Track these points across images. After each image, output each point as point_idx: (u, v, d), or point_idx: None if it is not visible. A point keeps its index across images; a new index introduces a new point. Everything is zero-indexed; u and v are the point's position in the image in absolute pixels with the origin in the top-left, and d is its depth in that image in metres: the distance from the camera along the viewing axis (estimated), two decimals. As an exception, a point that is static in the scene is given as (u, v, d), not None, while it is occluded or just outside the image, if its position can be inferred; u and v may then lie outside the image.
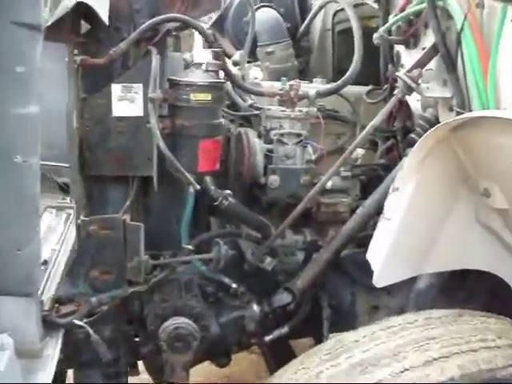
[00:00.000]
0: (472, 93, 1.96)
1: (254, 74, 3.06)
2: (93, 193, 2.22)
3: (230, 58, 2.86)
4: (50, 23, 1.78)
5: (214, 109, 2.11)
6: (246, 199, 2.42)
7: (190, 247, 2.25)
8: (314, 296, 2.47)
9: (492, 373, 1.48)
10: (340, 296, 2.53)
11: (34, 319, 1.72)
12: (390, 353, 1.58)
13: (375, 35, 2.39)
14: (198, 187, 2.09)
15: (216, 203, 2.18)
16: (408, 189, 1.94)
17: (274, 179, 2.34)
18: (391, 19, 2.36)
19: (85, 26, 2.15)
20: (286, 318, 2.40)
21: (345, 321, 2.46)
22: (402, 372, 1.50)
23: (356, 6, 2.78)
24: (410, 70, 2.17)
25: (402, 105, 2.55)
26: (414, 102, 2.47)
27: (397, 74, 2.19)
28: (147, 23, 2.09)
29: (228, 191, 2.20)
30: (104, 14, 1.95)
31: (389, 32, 2.42)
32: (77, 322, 2.01)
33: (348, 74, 2.48)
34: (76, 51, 2.12)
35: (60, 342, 1.87)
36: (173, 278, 2.30)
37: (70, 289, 2.13)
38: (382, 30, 2.37)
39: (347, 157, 2.27)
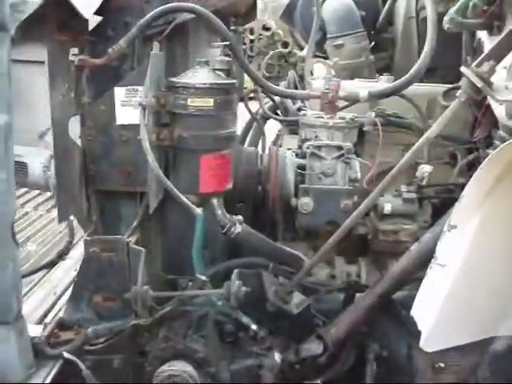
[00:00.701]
0: None
1: (319, 71, 2.59)
2: (100, 209, 1.94)
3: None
4: (21, 21, 1.49)
5: (219, 117, 1.69)
6: (275, 224, 1.97)
7: (204, 278, 1.86)
8: (359, 345, 1.96)
9: None
10: (393, 347, 1.99)
11: (13, 348, 1.57)
12: None
13: (445, 18, 1.81)
14: (199, 212, 1.69)
15: (223, 231, 1.76)
16: (470, 227, 1.50)
17: (305, 202, 1.87)
18: (465, -4, 1.77)
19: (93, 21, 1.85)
20: (317, 371, 1.92)
21: (399, 380, 1.93)
22: None
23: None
24: (479, 64, 1.58)
25: (487, 109, 1.95)
26: (497, 105, 1.84)
27: (461, 68, 1.60)
28: (149, 15, 1.73)
29: (239, 217, 1.77)
30: (84, 5, 1.61)
31: (464, 14, 1.82)
32: (66, 354, 1.74)
33: (413, 70, 1.91)
34: (76, 50, 1.81)
35: (55, 371, 1.70)
36: (186, 309, 1.93)
37: (73, 313, 1.89)
38: (452, 10, 1.78)
39: (395, 175, 1.73)
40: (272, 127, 2.43)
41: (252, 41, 7.09)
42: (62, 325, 1.85)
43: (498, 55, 1.59)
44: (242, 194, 2.00)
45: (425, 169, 1.97)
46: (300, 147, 1.96)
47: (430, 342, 1.60)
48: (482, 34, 1.94)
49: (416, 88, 2.02)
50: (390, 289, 1.84)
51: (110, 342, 1.84)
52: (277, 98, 2.43)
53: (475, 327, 1.59)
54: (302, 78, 2.46)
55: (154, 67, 1.69)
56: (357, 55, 2.60)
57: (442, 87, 2.20)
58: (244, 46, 6.87)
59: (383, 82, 2.21)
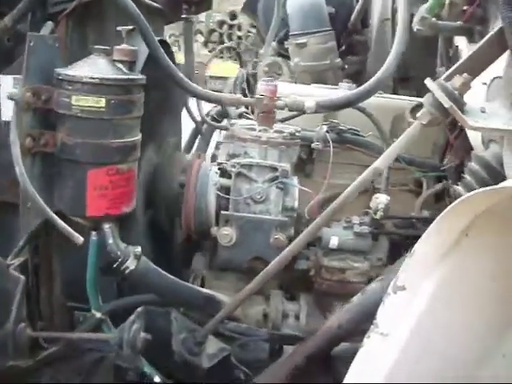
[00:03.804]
0: None
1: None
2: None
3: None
4: None
5: (112, 121, 1.23)
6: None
7: (99, 315, 1.44)
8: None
9: None
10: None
11: None
12: None
13: (415, 18, 1.36)
14: (81, 241, 1.25)
15: (114, 266, 1.31)
16: (423, 289, 1.11)
17: (225, 233, 1.42)
18: (441, -9, 1.32)
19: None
20: None
21: None
22: None
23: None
24: (449, 77, 1.13)
25: (460, 133, 1.51)
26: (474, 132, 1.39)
27: (426, 81, 1.16)
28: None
29: (137, 248, 1.32)
30: None
31: (439, 14, 1.37)
32: None
33: (374, 79, 1.47)
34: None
35: None
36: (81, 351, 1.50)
37: None
38: (423, 9, 1.33)
39: (340, 205, 1.28)
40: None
41: (240, 37, 6.63)
42: None
43: (475, 67, 1.14)
44: (166, 208, 1.57)
45: (380, 199, 1.52)
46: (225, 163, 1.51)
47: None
48: (460, 41, 1.49)
49: (381, 101, 1.58)
50: (321, 348, 1.41)
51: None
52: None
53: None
54: (254, 76, 2.01)
55: (34, 52, 1.25)
56: (321, 57, 2.16)
57: (412, 101, 1.76)
58: (231, 43, 6.40)
59: (343, 90, 1.76)
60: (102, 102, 1.21)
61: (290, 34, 2.18)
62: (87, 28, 1.47)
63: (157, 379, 1.46)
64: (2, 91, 1.39)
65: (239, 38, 6.71)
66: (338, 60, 2.20)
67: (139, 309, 1.47)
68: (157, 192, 1.60)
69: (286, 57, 2.28)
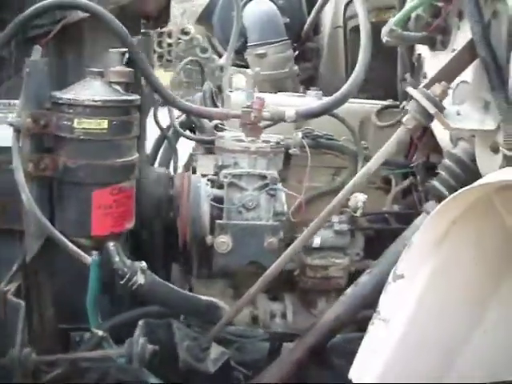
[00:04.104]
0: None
1: (240, 82, 2.20)
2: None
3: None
4: None
5: (114, 142, 1.26)
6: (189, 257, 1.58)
7: (101, 333, 1.45)
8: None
9: None
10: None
11: None
12: None
13: (384, 30, 1.47)
14: (89, 260, 1.27)
15: (122, 282, 1.34)
16: (419, 277, 1.22)
17: (222, 241, 1.48)
18: (408, 5, 1.44)
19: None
20: None
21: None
22: None
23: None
24: (429, 85, 1.25)
25: (426, 132, 1.64)
26: (440, 128, 1.53)
27: (409, 89, 1.27)
28: (28, 10, 1.28)
29: (142, 263, 1.35)
30: None
31: (405, 26, 1.50)
32: None
33: (345, 87, 1.56)
34: None
35: None
36: (83, 369, 1.51)
37: None
38: (392, 21, 1.44)
39: (336, 206, 1.38)
40: (186, 144, 2.00)
41: (170, 45, 6.61)
42: None
43: (449, 75, 1.27)
44: (150, 221, 1.59)
45: (359, 197, 1.63)
46: (217, 175, 1.57)
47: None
48: (422, 49, 1.63)
49: (348, 105, 1.68)
50: (321, 340, 1.50)
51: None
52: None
53: None
54: (219, 89, 2.06)
55: (31, 78, 1.25)
56: (280, 66, 2.25)
57: (375, 105, 1.88)
58: (161, 50, 6.37)
59: (311, 98, 1.86)
60: (105, 124, 1.23)
61: (249, 44, 2.26)
62: (66, 50, 1.49)
63: (163, 389, 1.50)
64: (-15, 117, 1.39)
65: (169, 45, 6.70)
66: (296, 68, 2.30)
67: (140, 322, 1.51)
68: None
69: (242, 66, 2.35)
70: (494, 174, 1.17)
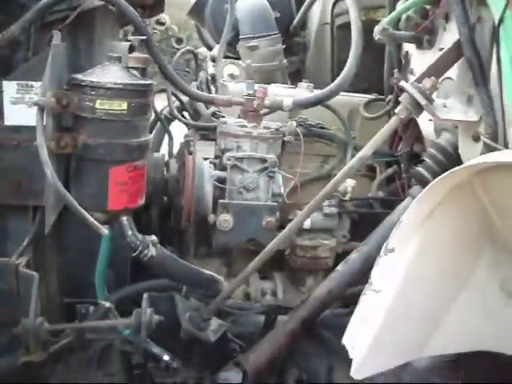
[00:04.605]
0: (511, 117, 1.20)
1: (232, 72, 2.31)
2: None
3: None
4: None
5: (132, 123, 1.36)
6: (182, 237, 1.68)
7: (108, 305, 1.53)
8: (279, 369, 1.72)
9: None
10: (312, 369, 1.78)
11: None
12: None
13: (376, 28, 1.61)
14: (106, 232, 1.37)
15: (135, 254, 1.43)
16: (408, 251, 1.33)
17: (225, 219, 1.59)
18: (399, 7, 1.58)
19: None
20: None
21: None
22: None
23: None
24: (419, 79, 1.39)
25: (410, 123, 1.78)
26: (424, 120, 1.67)
27: (402, 83, 1.41)
28: (46, -3, 1.36)
29: (153, 237, 1.45)
30: None
31: (396, 25, 1.64)
32: None
33: (338, 79, 1.70)
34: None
35: None
36: (87, 341, 1.59)
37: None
38: (385, 21, 1.58)
39: (331, 189, 1.50)
40: (175, 130, 2.09)
41: (146, 35, 6.63)
42: None
43: (438, 71, 1.41)
44: (146, 205, 1.69)
45: (348, 182, 1.76)
46: (218, 157, 1.68)
47: (361, 369, 1.41)
48: (409, 47, 1.77)
49: (337, 97, 1.81)
50: (314, 312, 1.63)
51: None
52: (185, 99, 2.13)
53: (406, 349, 1.42)
54: (213, 78, 2.16)
55: (54, 60, 1.33)
56: (271, 58, 2.36)
57: (363, 97, 2.02)
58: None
59: (303, 90, 1.98)
60: (125, 105, 1.32)
61: (241, 37, 2.36)
62: (78, 36, 1.56)
63: (166, 358, 1.60)
64: (5, 96, 1.46)
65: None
66: (285, 61, 2.41)
67: (145, 295, 1.60)
68: None
69: (233, 58, 2.45)
70: (475, 159, 1.32)
